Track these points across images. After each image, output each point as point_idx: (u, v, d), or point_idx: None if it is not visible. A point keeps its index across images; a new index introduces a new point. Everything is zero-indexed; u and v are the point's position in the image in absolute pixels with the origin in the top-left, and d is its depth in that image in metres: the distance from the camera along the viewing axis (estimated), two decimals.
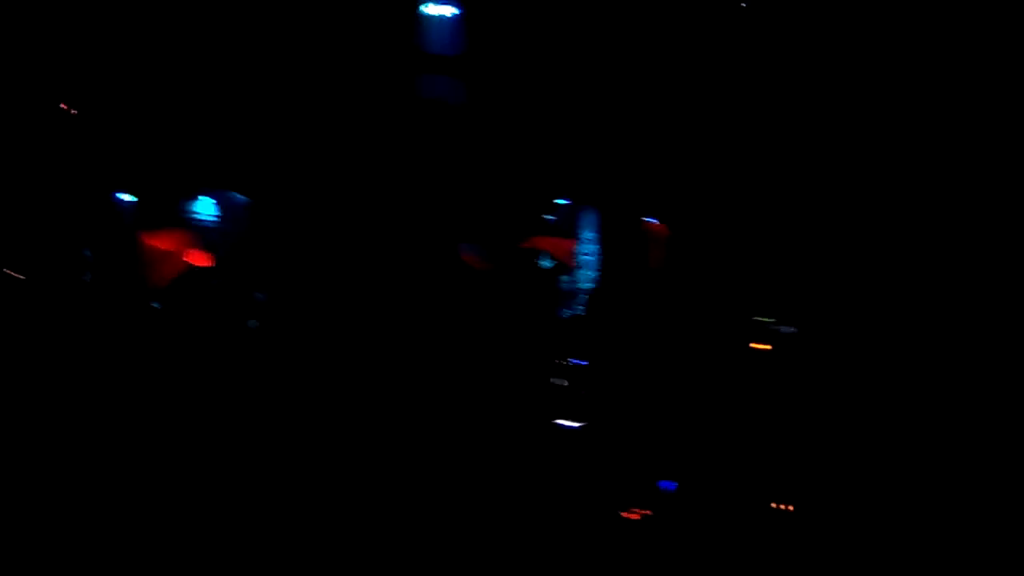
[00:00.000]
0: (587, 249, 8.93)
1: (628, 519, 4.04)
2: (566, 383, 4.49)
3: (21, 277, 5.12)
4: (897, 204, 5.46)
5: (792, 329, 5.23)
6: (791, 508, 3.93)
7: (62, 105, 6.94)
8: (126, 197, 9.24)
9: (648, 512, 3.95)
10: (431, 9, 7.90)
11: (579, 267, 9.01)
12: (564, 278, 8.65)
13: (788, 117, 7.02)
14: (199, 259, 8.95)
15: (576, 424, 4.27)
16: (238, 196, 9.67)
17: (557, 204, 9.65)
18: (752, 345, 5.43)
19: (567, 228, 9.41)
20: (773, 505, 4.03)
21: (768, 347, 5.23)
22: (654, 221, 8.72)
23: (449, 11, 7.96)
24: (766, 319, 5.41)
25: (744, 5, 5.39)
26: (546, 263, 9.00)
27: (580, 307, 7.58)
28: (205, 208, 10.17)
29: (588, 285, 8.58)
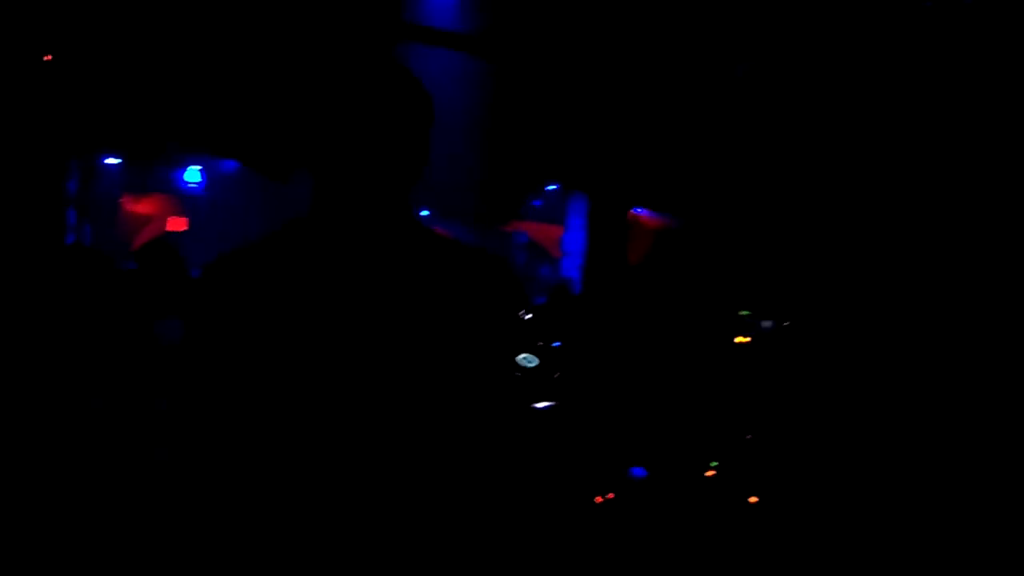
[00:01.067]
0: (572, 236, 8.90)
1: (598, 503, 4.00)
2: (539, 364, 4.43)
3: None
4: (876, 201, 5.46)
5: (770, 323, 5.21)
6: (757, 500, 3.91)
7: (46, 57, 6.82)
8: (111, 160, 9.18)
9: (613, 496, 3.91)
10: None
11: (563, 254, 8.97)
12: (546, 264, 8.63)
13: (776, 113, 7.00)
14: (177, 224, 8.90)
15: (547, 404, 4.22)
16: (224, 164, 9.61)
17: (545, 189, 9.62)
18: (736, 339, 5.40)
19: (553, 214, 9.37)
20: (744, 496, 4.01)
21: (747, 340, 5.21)
22: (643, 212, 8.70)
23: None
24: (746, 312, 5.39)
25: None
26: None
27: (560, 293, 7.55)
28: (190, 175, 10.11)
29: (571, 272, 8.54)
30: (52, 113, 7.27)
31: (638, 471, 4.30)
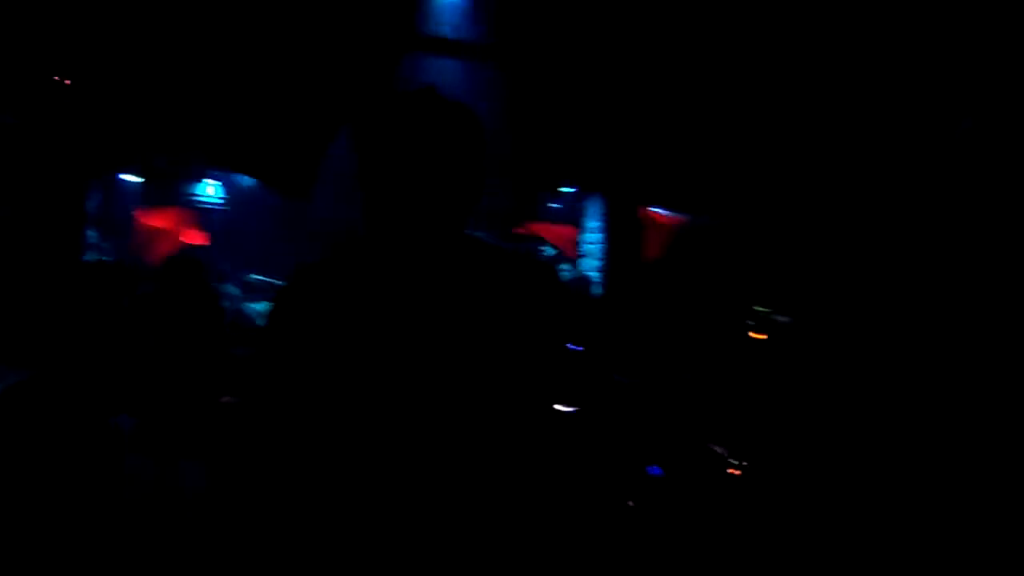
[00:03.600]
0: (590, 238, 8.88)
1: (622, 506, 4.00)
2: (562, 367, 4.40)
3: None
4: (894, 198, 5.43)
5: (787, 319, 5.18)
6: (782, 499, 3.89)
7: (65, 81, 6.89)
8: (128, 177, 9.26)
9: (636, 499, 3.91)
10: None
11: (581, 255, 8.96)
12: (565, 266, 8.62)
13: (792, 107, 6.97)
14: (195, 238, 8.94)
15: (570, 408, 4.23)
16: (240, 178, 9.67)
17: (561, 191, 9.60)
18: (750, 334, 5.38)
19: (570, 216, 9.35)
20: (765, 497, 3.99)
21: (764, 336, 5.18)
22: (659, 210, 8.67)
23: None
24: (763, 308, 5.36)
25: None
26: (548, 251, 8.96)
27: (580, 294, 7.55)
28: (208, 190, 10.18)
29: (590, 273, 8.53)
30: (71, 132, 7.34)
31: (655, 470, 4.29)
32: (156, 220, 8.80)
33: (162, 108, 7.21)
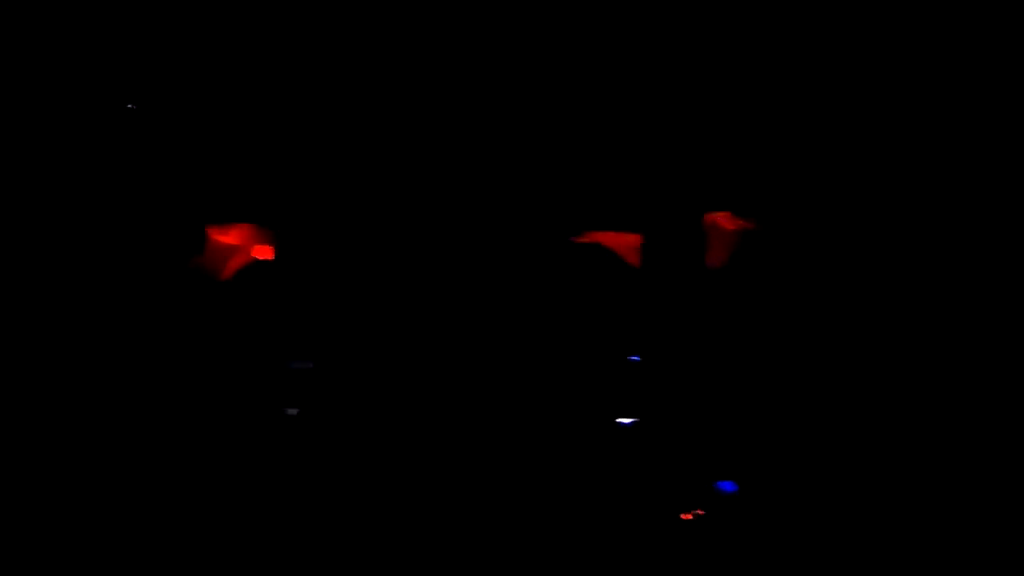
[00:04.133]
0: (650, 244, 8.80)
1: (684, 520, 3.96)
2: (621, 379, 4.41)
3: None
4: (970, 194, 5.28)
5: (850, 327, 5.05)
6: (855, 511, 3.80)
7: (129, 105, 7.13)
8: (198, 193, 9.51)
9: (702, 512, 3.86)
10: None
11: (641, 263, 8.89)
12: (624, 274, 8.56)
13: (859, 111, 6.83)
14: (265, 253, 9.13)
15: (630, 421, 4.20)
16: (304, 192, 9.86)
17: (622, 199, 9.56)
18: (816, 344, 5.28)
19: (630, 221, 9.29)
20: (836, 508, 3.91)
21: (829, 347, 5.07)
22: (724, 216, 8.55)
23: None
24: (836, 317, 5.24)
25: None
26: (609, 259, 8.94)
27: (640, 303, 7.49)
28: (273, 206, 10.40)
29: (650, 281, 8.46)
30: (133, 150, 7.58)
31: (726, 485, 4.23)
32: (227, 237, 9.00)
33: (224, 122, 7.38)
